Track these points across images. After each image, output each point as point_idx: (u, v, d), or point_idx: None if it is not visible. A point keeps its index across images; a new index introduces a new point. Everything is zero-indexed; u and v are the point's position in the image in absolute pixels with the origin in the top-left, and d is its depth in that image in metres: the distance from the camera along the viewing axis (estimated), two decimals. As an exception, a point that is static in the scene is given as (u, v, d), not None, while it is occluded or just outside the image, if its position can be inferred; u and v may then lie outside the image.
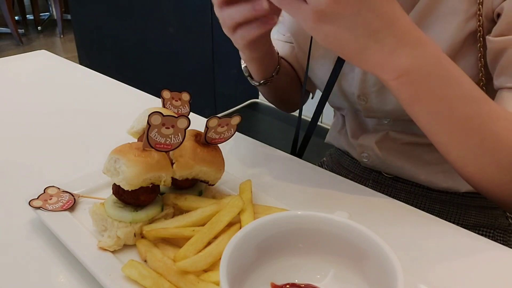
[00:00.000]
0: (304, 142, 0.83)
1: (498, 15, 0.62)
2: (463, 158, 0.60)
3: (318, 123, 0.80)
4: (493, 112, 0.58)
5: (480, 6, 0.63)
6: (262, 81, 0.83)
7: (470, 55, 0.67)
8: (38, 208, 0.58)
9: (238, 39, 0.63)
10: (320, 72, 0.81)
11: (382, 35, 0.51)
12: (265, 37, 0.72)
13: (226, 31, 0.62)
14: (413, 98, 0.56)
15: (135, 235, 0.54)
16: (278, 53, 0.85)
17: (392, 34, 0.51)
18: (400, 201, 0.67)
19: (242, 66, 0.84)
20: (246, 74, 0.85)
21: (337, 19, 0.49)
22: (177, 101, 0.67)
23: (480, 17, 0.64)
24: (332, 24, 0.50)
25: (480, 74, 0.67)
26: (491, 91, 0.66)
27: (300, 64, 0.91)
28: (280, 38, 0.95)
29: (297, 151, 0.84)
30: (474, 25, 0.65)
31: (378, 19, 0.50)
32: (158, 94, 0.70)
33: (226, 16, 0.59)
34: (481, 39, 0.65)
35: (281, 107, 1.00)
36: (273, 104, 0.98)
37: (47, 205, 0.59)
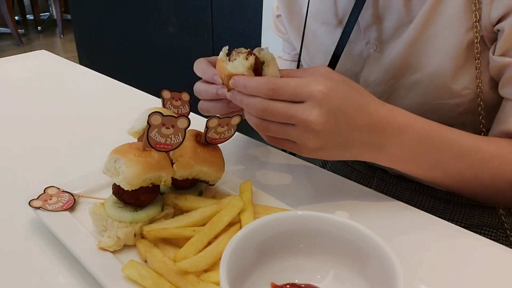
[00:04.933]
0: None
1: (499, 31, 0.64)
2: (464, 194, 0.67)
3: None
4: (486, 156, 0.62)
5: (476, 18, 0.64)
6: None
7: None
8: (38, 208, 0.58)
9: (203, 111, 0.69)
10: None
11: (367, 141, 0.58)
12: None
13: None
14: (409, 171, 0.63)
15: (135, 235, 0.54)
16: None
17: (375, 136, 0.58)
18: (404, 199, 0.67)
19: None
20: None
21: (326, 147, 0.57)
22: (177, 101, 0.67)
23: (476, 29, 0.65)
24: (322, 150, 0.57)
25: (478, 81, 0.68)
26: (493, 99, 0.69)
27: None
28: (287, 58, 0.96)
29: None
30: (473, 36, 0.66)
31: (359, 132, 0.57)
32: (158, 94, 0.70)
33: (197, 91, 0.66)
34: (478, 54, 0.66)
35: None
36: None
37: (47, 205, 0.59)
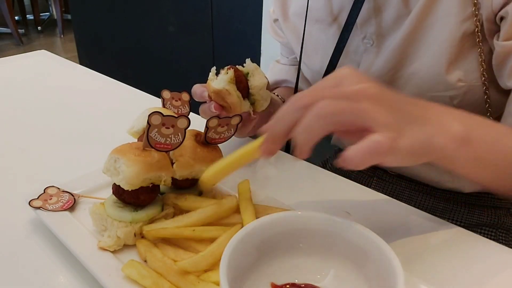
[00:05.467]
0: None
1: (502, 19, 0.63)
2: (504, 185, 0.59)
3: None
4: None
5: (475, 8, 0.63)
6: None
7: (471, 58, 0.68)
8: (38, 208, 0.58)
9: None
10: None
11: (427, 119, 0.50)
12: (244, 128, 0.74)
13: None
14: (475, 161, 0.53)
15: (135, 235, 0.54)
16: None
17: (433, 112, 0.51)
18: (404, 198, 0.67)
19: None
20: None
21: (401, 133, 0.46)
22: (177, 101, 0.67)
23: (477, 23, 0.64)
24: (403, 138, 0.45)
25: (483, 79, 0.68)
26: (495, 94, 0.68)
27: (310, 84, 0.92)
28: (285, 62, 0.96)
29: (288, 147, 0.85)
30: (470, 27, 0.66)
31: (418, 108, 0.51)
32: (158, 94, 0.70)
33: (193, 94, 0.71)
34: (480, 44, 0.66)
35: None
36: None
37: (47, 205, 0.59)
